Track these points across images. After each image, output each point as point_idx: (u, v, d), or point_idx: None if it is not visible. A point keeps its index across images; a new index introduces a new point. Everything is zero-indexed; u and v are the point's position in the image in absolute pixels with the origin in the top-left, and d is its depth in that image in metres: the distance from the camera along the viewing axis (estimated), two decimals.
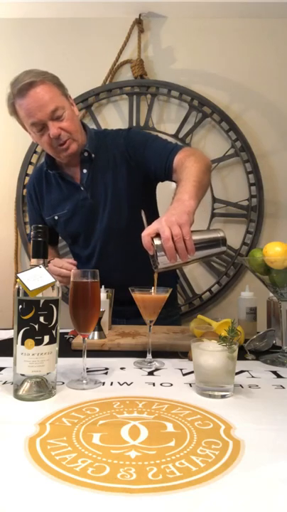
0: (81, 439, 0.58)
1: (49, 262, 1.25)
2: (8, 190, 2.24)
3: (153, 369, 0.94)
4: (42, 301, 0.75)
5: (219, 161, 2.21)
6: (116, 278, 1.24)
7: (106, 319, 1.21)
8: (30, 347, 0.74)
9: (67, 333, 1.22)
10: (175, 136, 2.22)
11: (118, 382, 0.84)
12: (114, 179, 1.34)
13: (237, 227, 2.24)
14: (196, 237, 0.97)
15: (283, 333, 1.04)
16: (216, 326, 1.12)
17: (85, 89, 2.20)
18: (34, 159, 2.23)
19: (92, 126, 2.22)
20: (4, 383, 0.82)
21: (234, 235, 2.23)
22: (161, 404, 0.71)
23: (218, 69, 2.25)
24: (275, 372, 0.92)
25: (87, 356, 0.84)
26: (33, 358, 0.74)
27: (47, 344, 0.75)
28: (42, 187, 1.44)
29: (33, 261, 0.79)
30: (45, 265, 0.79)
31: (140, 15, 2.22)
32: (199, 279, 2.25)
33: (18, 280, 0.75)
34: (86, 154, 1.34)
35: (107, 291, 1.23)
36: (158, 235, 0.94)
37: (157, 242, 0.94)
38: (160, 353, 1.04)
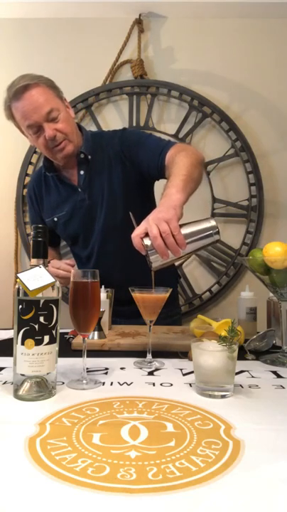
0: (81, 439, 0.58)
1: (49, 263, 1.25)
2: (8, 190, 2.24)
3: (153, 369, 0.94)
4: (42, 301, 0.75)
5: (219, 161, 2.21)
6: (115, 278, 1.24)
7: (106, 319, 1.21)
8: (30, 347, 0.74)
9: (67, 333, 1.22)
10: (175, 136, 2.22)
11: (118, 382, 0.84)
12: (110, 179, 1.35)
13: (237, 227, 2.24)
14: (186, 230, 0.95)
15: (283, 333, 1.04)
16: (216, 326, 1.12)
17: (85, 89, 2.20)
18: (34, 159, 2.23)
19: (92, 126, 2.23)
20: (4, 383, 0.82)
21: (234, 235, 2.23)
22: (161, 404, 0.71)
23: (218, 69, 2.25)
24: (275, 372, 0.92)
25: (87, 356, 0.84)
26: (33, 358, 0.74)
27: (47, 344, 0.75)
28: (41, 189, 1.46)
29: (33, 261, 0.79)
30: (45, 265, 0.79)
31: (140, 15, 2.22)
32: (199, 279, 2.25)
33: (18, 280, 0.75)
34: (82, 156, 1.35)
35: (107, 291, 1.23)
36: (147, 235, 0.93)
37: (146, 241, 0.93)
38: (160, 353, 1.04)
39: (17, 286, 0.76)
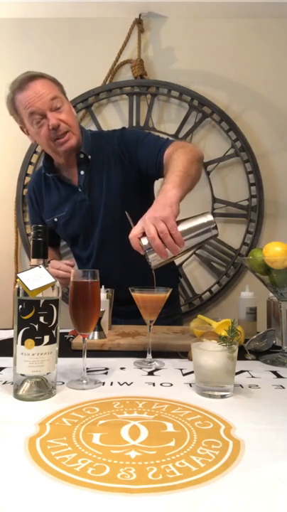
0: (81, 439, 0.58)
1: (49, 263, 1.25)
2: (8, 190, 2.24)
3: (153, 369, 0.94)
4: (42, 301, 0.75)
5: (219, 161, 2.21)
6: (115, 277, 1.24)
7: (106, 319, 1.21)
8: (30, 347, 0.74)
9: (67, 333, 1.22)
10: (175, 136, 2.22)
11: (118, 382, 0.84)
12: (109, 179, 1.35)
13: (237, 227, 2.24)
14: (183, 227, 0.95)
15: (283, 333, 1.04)
16: (216, 326, 1.12)
17: (85, 89, 2.20)
18: (34, 159, 2.23)
19: (92, 126, 2.23)
20: (4, 383, 0.82)
21: (234, 235, 2.23)
22: (161, 404, 0.71)
23: (218, 69, 2.25)
24: (275, 372, 0.92)
25: (87, 356, 0.84)
26: (33, 358, 0.74)
27: (47, 344, 0.75)
28: (41, 190, 1.46)
29: (33, 261, 0.79)
30: (45, 265, 0.79)
31: (140, 15, 2.22)
32: (199, 279, 2.25)
33: (18, 280, 0.75)
34: (82, 156, 1.35)
35: (107, 291, 1.23)
36: (145, 234, 0.93)
37: (144, 241, 0.93)
38: (160, 353, 1.04)
39: (17, 286, 0.76)
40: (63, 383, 0.82)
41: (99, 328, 1.15)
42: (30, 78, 1.22)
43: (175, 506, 0.44)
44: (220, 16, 2.23)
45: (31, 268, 0.78)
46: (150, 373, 0.91)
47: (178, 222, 0.94)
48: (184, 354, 1.04)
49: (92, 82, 2.22)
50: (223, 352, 0.76)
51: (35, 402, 0.73)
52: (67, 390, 0.79)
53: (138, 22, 2.22)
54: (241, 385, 0.82)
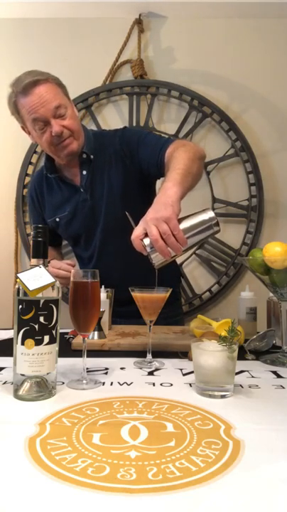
0: (81, 439, 0.58)
1: (49, 263, 1.24)
2: (8, 190, 2.24)
3: (153, 369, 0.94)
4: (42, 301, 0.75)
5: (219, 161, 2.21)
6: (115, 277, 1.24)
7: (106, 319, 1.21)
8: (30, 347, 0.74)
9: (67, 333, 1.22)
10: (175, 136, 2.21)
11: (118, 382, 0.84)
12: (111, 179, 1.35)
13: (237, 227, 2.24)
14: (185, 224, 0.94)
15: (283, 333, 1.04)
16: (216, 326, 1.12)
17: (85, 89, 2.20)
18: (34, 159, 2.23)
19: (92, 126, 2.22)
20: (4, 383, 0.82)
21: (234, 235, 2.23)
22: (161, 404, 0.71)
23: (218, 69, 2.25)
24: (275, 372, 0.92)
25: (87, 356, 0.84)
26: (33, 358, 0.74)
27: (47, 344, 0.75)
28: (43, 190, 1.45)
29: (33, 261, 0.79)
30: (45, 265, 0.79)
31: (140, 15, 2.22)
32: (199, 279, 2.25)
33: (18, 280, 0.75)
34: (85, 156, 1.35)
35: (107, 291, 1.23)
36: (147, 235, 0.92)
37: (147, 242, 0.92)
38: (160, 353, 1.04)
39: (17, 286, 0.76)
40: (63, 383, 0.82)
41: (99, 328, 1.15)
42: (34, 83, 1.20)
43: (175, 506, 0.44)
44: (220, 16, 2.23)
45: (31, 268, 0.78)
46: (150, 373, 0.91)
47: (179, 220, 0.94)
48: (184, 354, 1.04)
49: (92, 82, 2.22)
50: (223, 352, 0.76)
51: (35, 402, 0.73)
52: (67, 390, 0.79)
53: (138, 22, 2.22)
54: (241, 385, 0.82)
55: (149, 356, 0.99)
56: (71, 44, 2.27)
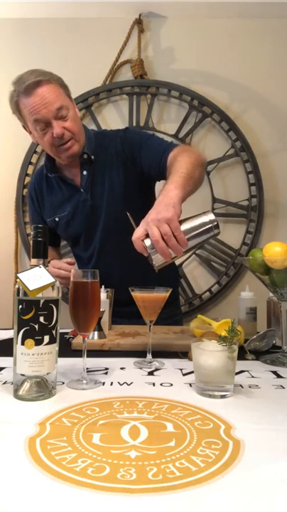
0: (81, 439, 0.58)
1: (49, 263, 1.24)
2: (8, 190, 2.24)
3: (153, 369, 0.94)
4: (42, 301, 0.75)
5: (219, 161, 2.21)
6: (115, 278, 1.24)
7: (106, 319, 1.21)
8: (30, 347, 0.74)
9: (67, 333, 1.22)
10: (175, 136, 2.22)
11: (118, 382, 0.84)
12: (111, 179, 1.35)
13: (237, 227, 2.24)
14: (186, 226, 0.94)
15: (283, 333, 1.04)
16: (216, 326, 1.12)
17: (85, 89, 2.20)
18: (34, 159, 2.23)
19: (92, 126, 2.22)
20: (4, 383, 0.82)
21: (234, 235, 2.23)
22: (161, 404, 0.71)
23: (218, 69, 2.25)
24: (275, 372, 0.92)
25: (87, 356, 0.84)
26: (33, 358, 0.74)
27: (47, 344, 0.75)
28: (42, 189, 1.45)
29: (33, 261, 0.79)
30: (45, 265, 0.79)
31: (140, 15, 2.22)
32: (199, 279, 2.25)
33: (18, 280, 0.75)
34: (85, 156, 1.35)
35: (107, 291, 1.23)
36: (148, 236, 0.92)
37: (148, 243, 0.92)
38: (160, 353, 1.04)
39: (17, 286, 0.76)
40: (63, 383, 0.82)
41: (99, 328, 1.15)
42: (36, 83, 1.19)
43: (175, 506, 0.44)
44: (220, 16, 2.23)
45: (31, 268, 0.78)
46: (150, 373, 0.91)
47: (180, 222, 0.94)
48: (184, 354, 1.04)
49: (92, 82, 2.22)
50: (223, 352, 0.76)
51: (35, 402, 0.72)
52: (67, 390, 0.79)
53: (138, 22, 2.22)
54: (241, 385, 0.82)
55: (149, 356, 0.99)
56: (71, 44, 2.27)
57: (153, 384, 0.83)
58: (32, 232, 0.80)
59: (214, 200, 2.20)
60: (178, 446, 0.56)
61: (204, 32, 2.26)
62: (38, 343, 0.74)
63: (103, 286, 1.16)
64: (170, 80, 2.22)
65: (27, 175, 2.22)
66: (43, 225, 0.81)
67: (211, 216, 0.97)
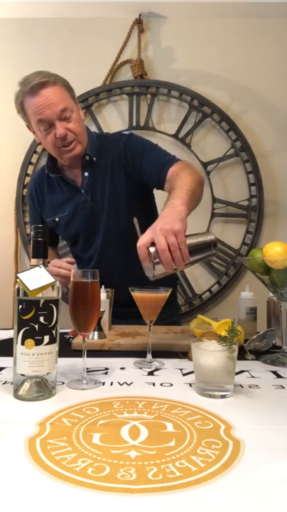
0: (81, 439, 0.58)
1: (49, 263, 1.24)
2: (8, 190, 2.24)
3: (153, 369, 0.94)
4: (42, 301, 0.75)
5: (219, 161, 2.21)
6: (115, 278, 1.24)
7: (106, 319, 1.21)
8: (30, 347, 0.74)
9: (67, 333, 1.22)
10: (175, 136, 2.22)
11: (118, 382, 0.84)
12: (113, 182, 1.36)
13: (237, 227, 2.24)
14: (189, 241, 0.96)
15: (283, 333, 1.04)
16: (216, 326, 1.12)
17: (85, 89, 2.20)
18: (34, 159, 2.23)
19: (92, 126, 2.23)
20: (4, 383, 0.82)
21: (234, 235, 2.23)
22: (161, 404, 0.71)
23: (218, 69, 2.25)
24: (275, 372, 0.92)
25: (87, 356, 0.84)
26: (33, 358, 0.74)
27: (47, 344, 0.75)
28: (43, 189, 1.46)
29: (33, 261, 0.79)
30: (45, 265, 0.79)
31: (140, 15, 2.22)
32: (199, 279, 2.25)
33: (18, 280, 0.75)
34: (87, 158, 1.36)
35: (107, 291, 1.23)
36: (153, 244, 0.93)
37: (152, 250, 0.93)
38: (160, 353, 1.04)
39: (17, 286, 0.76)
40: (63, 383, 0.82)
41: (99, 328, 1.15)
42: (42, 84, 1.21)
43: (175, 506, 0.44)
44: (220, 16, 2.23)
45: (31, 268, 0.78)
46: (150, 373, 0.91)
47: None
48: (184, 354, 1.04)
49: (92, 82, 2.22)
50: (223, 352, 0.76)
51: (35, 402, 0.72)
52: (67, 390, 0.79)
53: (138, 22, 2.22)
54: (241, 385, 0.82)
55: (149, 356, 0.99)
56: (71, 44, 2.27)
57: (153, 384, 0.83)
58: (32, 232, 0.80)
59: (214, 200, 2.20)
60: (178, 446, 0.56)
61: (204, 32, 2.26)
62: (38, 343, 0.74)
63: (103, 286, 1.16)
64: (170, 80, 2.22)
65: (27, 175, 2.22)
66: (43, 225, 0.81)
67: (212, 236, 1.01)
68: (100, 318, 1.13)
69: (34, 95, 1.21)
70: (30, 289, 0.73)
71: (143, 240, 0.94)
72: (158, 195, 1.44)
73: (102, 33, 2.26)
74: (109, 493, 0.45)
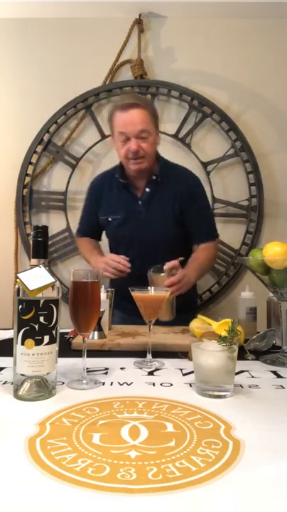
0: (81, 439, 0.58)
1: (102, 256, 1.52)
2: (8, 191, 2.24)
3: (153, 369, 0.94)
4: (42, 301, 0.75)
5: (219, 161, 2.21)
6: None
7: (106, 319, 1.21)
8: (30, 347, 0.74)
9: (67, 333, 1.22)
10: (175, 136, 2.22)
11: (118, 382, 0.84)
12: (165, 206, 1.54)
13: (237, 227, 2.24)
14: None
15: (283, 333, 1.04)
16: (216, 326, 1.12)
17: (85, 89, 2.20)
18: (34, 159, 2.23)
19: (92, 126, 2.24)
20: (4, 383, 0.82)
21: (234, 235, 2.22)
22: (161, 404, 0.71)
23: (218, 69, 2.25)
24: (275, 372, 0.92)
25: (87, 356, 0.84)
26: (33, 358, 0.74)
27: (47, 344, 0.75)
28: (104, 190, 1.61)
29: (33, 261, 0.79)
30: (45, 265, 0.79)
31: (140, 15, 2.22)
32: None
33: (18, 280, 0.75)
34: (154, 177, 1.53)
35: (107, 291, 1.23)
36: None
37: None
38: (160, 353, 1.04)
39: (17, 286, 0.76)
40: (63, 383, 0.82)
41: (99, 328, 1.15)
42: (132, 105, 1.44)
43: (175, 506, 0.44)
44: (220, 16, 2.23)
45: (31, 268, 0.78)
46: (150, 373, 0.91)
47: None
48: (184, 354, 1.04)
49: (92, 82, 2.22)
50: (223, 352, 0.76)
51: (35, 402, 0.73)
52: (67, 390, 0.79)
53: (138, 22, 2.22)
54: (241, 385, 0.82)
55: (149, 356, 0.99)
56: (71, 44, 2.26)
57: (153, 384, 0.83)
58: (32, 232, 0.80)
59: (214, 200, 2.20)
60: (178, 446, 0.56)
61: (204, 32, 2.26)
62: (38, 343, 0.74)
63: (103, 286, 1.16)
64: (170, 80, 2.22)
65: (27, 175, 2.22)
66: (43, 225, 0.81)
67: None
68: (100, 318, 1.13)
69: (123, 111, 1.45)
70: (30, 289, 0.73)
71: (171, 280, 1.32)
72: None
73: (102, 33, 2.26)
74: (109, 493, 0.45)
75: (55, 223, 2.24)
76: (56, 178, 2.28)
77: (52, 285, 0.76)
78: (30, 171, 2.22)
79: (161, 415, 0.66)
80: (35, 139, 2.21)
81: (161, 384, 0.83)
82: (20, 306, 0.75)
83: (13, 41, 2.27)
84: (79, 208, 1.78)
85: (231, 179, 2.25)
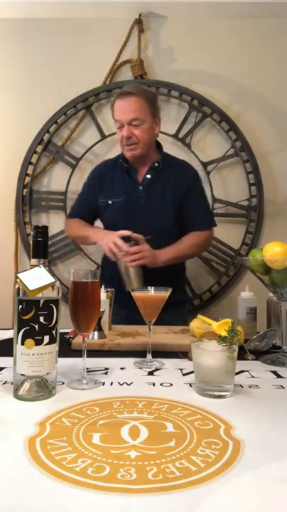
0: (81, 439, 0.58)
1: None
2: (8, 191, 2.24)
3: (153, 369, 0.94)
4: (42, 301, 0.75)
5: (219, 161, 2.22)
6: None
7: (106, 319, 1.21)
8: (30, 347, 0.74)
9: (67, 333, 1.22)
10: (175, 136, 2.22)
11: (118, 382, 0.84)
12: (165, 193, 1.58)
13: (237, 227, 2.24)
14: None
15: (283, 333, 1.04)
16: (216, 326, 1.12)
17: (85, 89, 2.21)
18: (34, 159, 2.23)
19: (92, 126, 2.24)
20: (4, 383, 0.82)
21: (234, 235, 2.23)
22: (161, 404, 0.71)
23: (218, 69, 2.25)
24: (275, 372, 0.92)
25: (87, 356, 0.84)
26: (33, 358, 0.74)
27: (47, 344, 0.75)
28: (106, 175, 1.66)
29: (33, 261, 0.79)
30: (45, 265, 0.79)
31: (140, 15, 2.22)
32: (199, 279, 2.25)
33: (18, 280, 0.75)
34: (156, 165, 1.59)
35: (107, 291, 1.23)
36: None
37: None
38: (160, 353, 1.04)
39: (17, 286, 0.76)
40: (63, 383, 0.82)
41: (99, 328, 1.15)
42: (128, 93, 1.49)
43: (175, 506, 0.44)
44: (220, 16, 2.23)
45: (31, 268, 0.78)
46: (150, 373, 0.91)
47: None
48: (184, 354, 1.04)
49: (92, 82, 2.22)
50: (223, 352, 0.76)
51: (35, 402, 0.73)
52: (67, 390, 0.79)
53: (138, 22, 2.22)
54: (241, 385, 0.82)
55: (149, 356, 0.99)
56: (71, 44, 2.27)
57: (153, 384, 0.83)
58: (32, 232, 0.80)
59: (214, 200, 2.20)
60: (178, 446, 0.56)
61: (204, 32, 2.26)
62: (38, 343, 0.74)
63: (103, 286, 1.16)
64: (170, 80, 2.22)
65: (27, 175, 2.22)
66: (43, 225, 0.81)
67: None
68: (100, 318, 1.13)
69: (120, 99, 1.51)
70: (30, 289, 0.73)
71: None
72: None
73: (102, 33, 2.26)
74: (109, 493, 0.45)
75: (55, 223, 2.24)
76: (56, 178, 2.28)
77: (52, 285, 0.76)
78: (30, 171, 2.22)
79: (161, 415, 0.66)
80: (35, 139, 2.22)
81: (161, 384, 0.83)
82: (20, 306, 0.75)
83: (13, 41, 2.27)
84: None
85: (231, 179, 2.25)
